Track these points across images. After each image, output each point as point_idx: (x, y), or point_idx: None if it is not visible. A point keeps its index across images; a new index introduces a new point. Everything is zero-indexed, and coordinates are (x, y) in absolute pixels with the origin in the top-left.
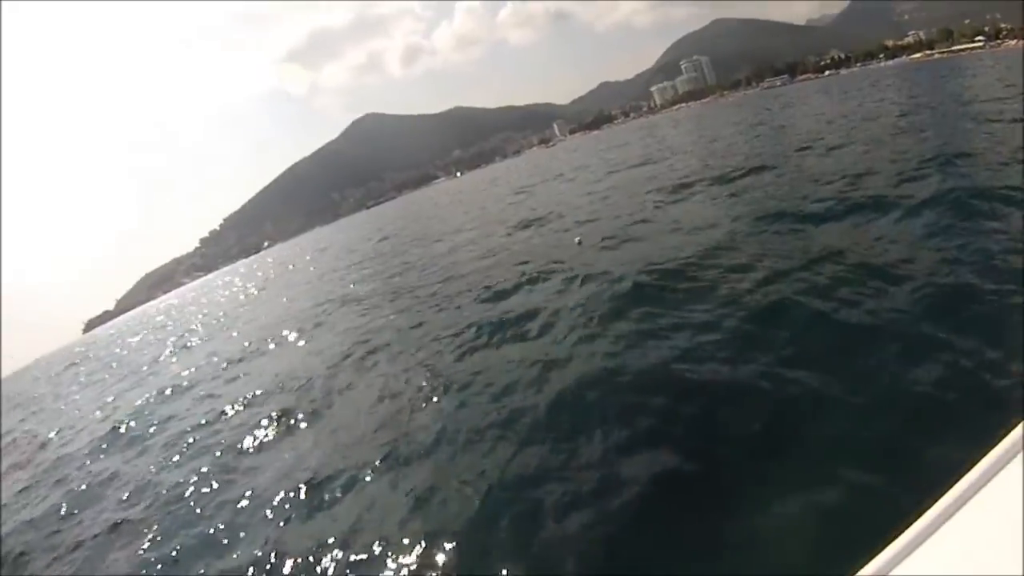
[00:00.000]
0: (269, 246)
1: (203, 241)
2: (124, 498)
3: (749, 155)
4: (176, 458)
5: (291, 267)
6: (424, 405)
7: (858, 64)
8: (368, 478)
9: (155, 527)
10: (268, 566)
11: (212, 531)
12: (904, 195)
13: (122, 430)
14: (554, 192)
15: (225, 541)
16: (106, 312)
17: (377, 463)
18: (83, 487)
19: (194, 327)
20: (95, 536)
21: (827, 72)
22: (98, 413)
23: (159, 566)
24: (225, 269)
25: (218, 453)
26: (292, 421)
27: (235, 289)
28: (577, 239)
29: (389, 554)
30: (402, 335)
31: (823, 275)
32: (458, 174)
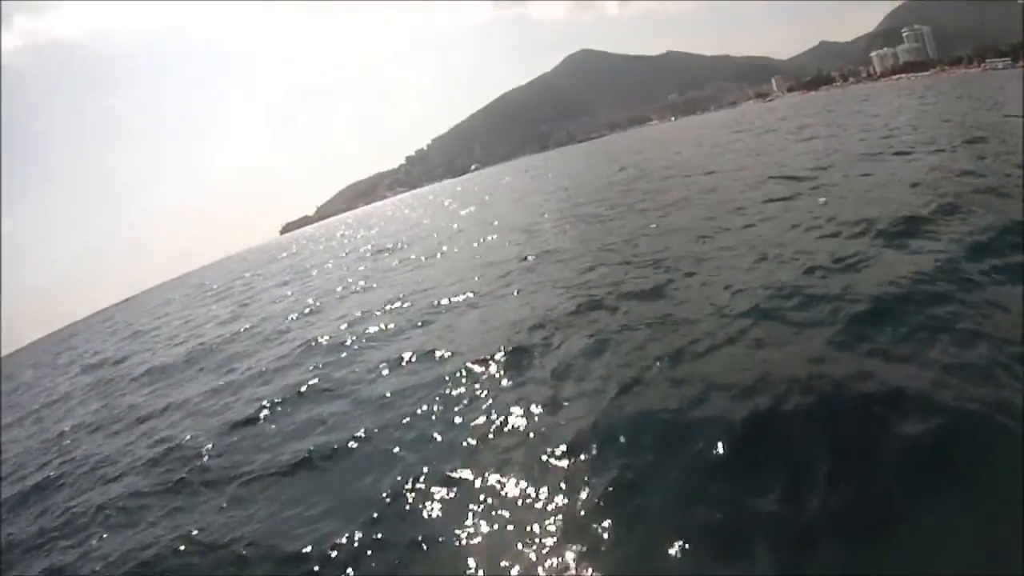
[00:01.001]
0: (476, 169)
1: (409, 159)
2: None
3: (977, 130)
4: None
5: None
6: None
7: None
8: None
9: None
10: None
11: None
12: None
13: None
14: (780, 148)
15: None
16: (305, 217)
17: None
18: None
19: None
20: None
21: None
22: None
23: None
24: (428, 187)
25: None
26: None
27: (447, 203)
28: (822, 200)
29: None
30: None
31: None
32: (672, 119)
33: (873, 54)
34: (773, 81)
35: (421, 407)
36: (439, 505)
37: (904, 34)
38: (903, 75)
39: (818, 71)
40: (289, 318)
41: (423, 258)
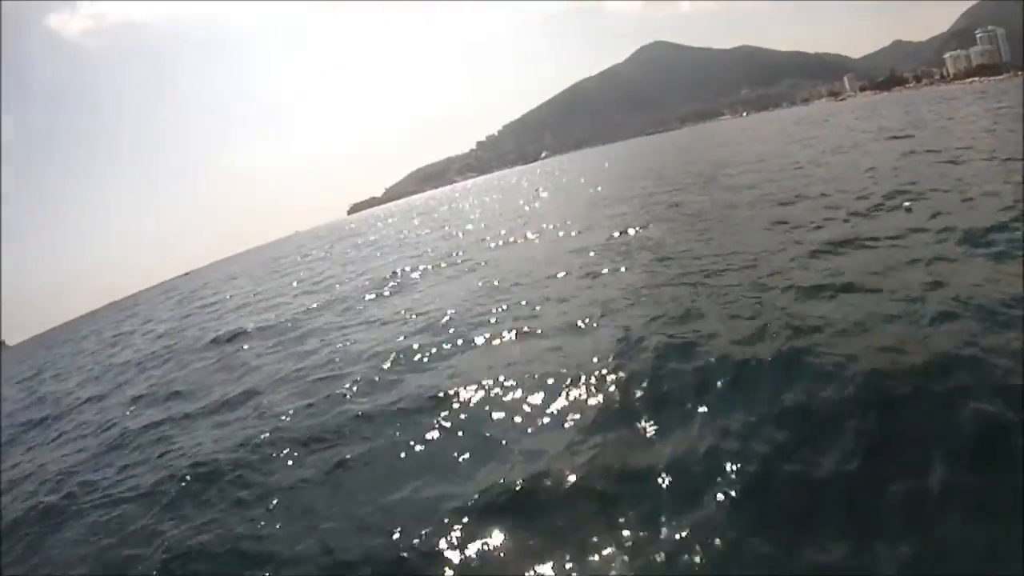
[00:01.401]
0: (546, 156)
1: (479, 144)
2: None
3: None
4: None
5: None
6: None
7: None
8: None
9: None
10: None
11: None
12: None
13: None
14: (860, 147)
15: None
16: (372, 198)
17: None
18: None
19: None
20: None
21: None
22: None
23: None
24: (499, 173)
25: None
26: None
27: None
28: (906, 204)
29: None
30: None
31: None
32: (744, 114)
33: (946, 56)
34: (845, 79)
35: (523, 386)
36: (560, 497)
37: (978, 35)
38: (976, 78)
39: (891, 71)
40: (366, 296)
41: (512, 239)
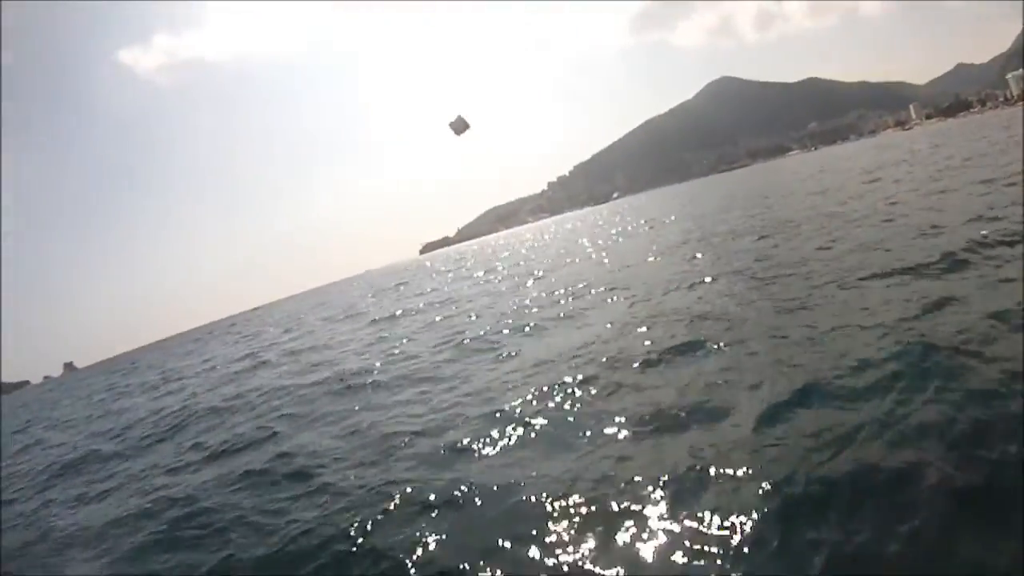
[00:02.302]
0: (618, 197)
1: (551, 185)
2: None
3: None
4: None
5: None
6: None
7: None
8: None
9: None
10: None
11: None
12: None
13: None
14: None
15: None
16: (445, 238)
17: None
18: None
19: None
20: None
21: None
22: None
23: None
24: (572, 213)
25: None
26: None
27: None
28: (983, 232)
29: None
30: None
31: None
32: (813, 148)
33: (1008, 76)
34: (911, 108)
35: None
36: None
37: None
38: None
39: (955, 97)
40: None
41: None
